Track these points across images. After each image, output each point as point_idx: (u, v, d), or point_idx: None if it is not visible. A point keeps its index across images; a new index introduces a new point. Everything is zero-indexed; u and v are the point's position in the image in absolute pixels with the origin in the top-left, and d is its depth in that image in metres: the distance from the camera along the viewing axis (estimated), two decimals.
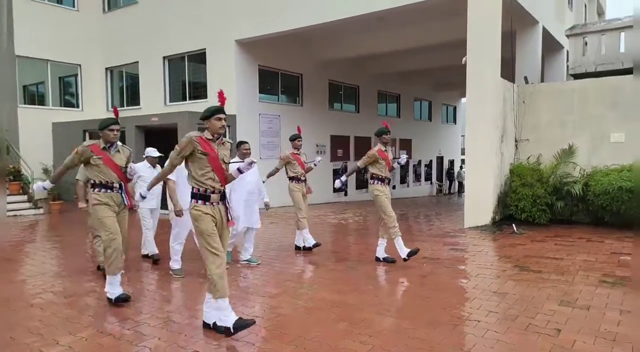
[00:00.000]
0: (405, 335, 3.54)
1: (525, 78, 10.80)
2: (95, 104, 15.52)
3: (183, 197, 4.88)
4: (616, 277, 5.08)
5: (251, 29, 11.80)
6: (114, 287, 4.35)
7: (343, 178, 5.97)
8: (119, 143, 4.47)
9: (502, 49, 8.94)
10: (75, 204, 6.06)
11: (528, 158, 9.35)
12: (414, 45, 13.24)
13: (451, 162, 24.72)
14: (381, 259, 6.03)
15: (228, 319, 3.59)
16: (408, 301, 4.56)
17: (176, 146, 3.66)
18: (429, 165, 22.55)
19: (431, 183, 22.85)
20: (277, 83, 13.83)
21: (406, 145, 20.07)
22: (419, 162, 21.65)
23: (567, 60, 12.47)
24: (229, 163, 3.81)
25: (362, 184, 16.39)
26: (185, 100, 13.68)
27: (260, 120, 12.91)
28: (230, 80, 12.22)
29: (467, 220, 8.85)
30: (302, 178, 6.73)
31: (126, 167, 4.45)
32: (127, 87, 15.45)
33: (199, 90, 13.46)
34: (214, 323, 3.66)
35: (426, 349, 3.29)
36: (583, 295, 4.48)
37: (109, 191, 4.36)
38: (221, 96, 3.69)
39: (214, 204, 3.65)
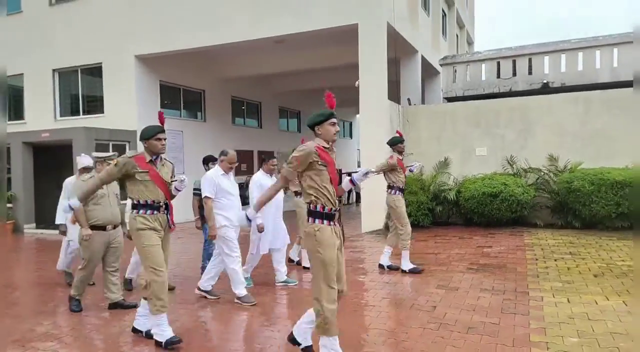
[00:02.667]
0: None
1: (409, 100, 12.32)
2: None
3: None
4: (479, 265, 6.28)
5: (151, 44, 11.81)
6: (163, 328, 3.73)
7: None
8: (162, 155, 3.92)
9: (388, 74, 10.21)
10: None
11: None
12: (313, 66, 14.24)
13: (349, 174, 26.30)
14: (385, 267, 6.13)
15: None
16: None
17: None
18: None
19: None
20: (179, 99, 13.88)
21: None
22: None
23: (442, 85, 14.40)
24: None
25: None
26: (79, 114, 13.10)
27: None
28: (129, 95, 12.06)
29: (364, 226, 9.88)
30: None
31: (171, 183, 3.92)
32: (9, 100, 14.26)
33: (94, 105, 12.99)
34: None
35: None
36: (454, 280, 5.53)
37: (155, 212, 3.77)
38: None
39: (336, 223, 3.19)
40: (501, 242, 7.82)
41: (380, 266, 6.23)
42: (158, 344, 3.72)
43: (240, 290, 4.87)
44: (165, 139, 3.82)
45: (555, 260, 6.34)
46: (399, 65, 12.50)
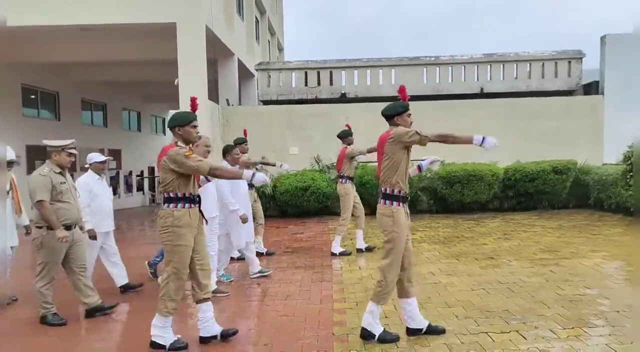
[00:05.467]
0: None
1: (227, 100, 12.91)
2: None
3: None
4: (293, 248, 7.34)
5: None
6: (166, 331, 3.52)
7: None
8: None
9: (208, 74, 10.60)
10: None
11: None
12: (124, 58, 13.53)
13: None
14: (363, 249, 6.81)
15: (376, 327, 3.56)
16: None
17: None
18: (140, 176, 22.63)
19: (144, 193, 22.98)
20: None
21: (116, 155, 19.65)
22: (130, 172, 21.50)
23: (257, 88, 15.43)
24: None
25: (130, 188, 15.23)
26: None
27: None
28: None
29: None
30: None
31: None
32: None
33: None
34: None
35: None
36: (274, 261, 6.40)
37: (192, 205, 3.50)
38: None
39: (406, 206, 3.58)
40: (311, 229, 9.09)
41: (359, 250, 6.85)
42: (157, 346, 3.51)
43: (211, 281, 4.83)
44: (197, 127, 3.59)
45: (351, 239, 7.80)
46: (216, 67, 12.97)
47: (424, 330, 3.62)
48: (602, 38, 12.39)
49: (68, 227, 4.21)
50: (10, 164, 4.86)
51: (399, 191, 3.49)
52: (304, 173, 10.76)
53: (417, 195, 10.44)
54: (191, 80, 10.19)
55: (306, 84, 12.96)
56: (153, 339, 3.51)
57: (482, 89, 12.81)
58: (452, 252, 6.63)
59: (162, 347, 3.50)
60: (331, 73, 13.01)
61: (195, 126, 3.55)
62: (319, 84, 12.98)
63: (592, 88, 12.77)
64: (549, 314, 4.02)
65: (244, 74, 15.84)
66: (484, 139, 3.36)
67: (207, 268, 3.67)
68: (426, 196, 10.57)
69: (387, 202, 3.50)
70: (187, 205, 3.46)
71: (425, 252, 6.67)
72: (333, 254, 6.63)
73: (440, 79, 13.01)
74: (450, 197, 10.26)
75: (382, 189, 3.58)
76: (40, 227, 4.16)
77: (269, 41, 22.95)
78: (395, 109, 3.66)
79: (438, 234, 8.12)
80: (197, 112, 3.66)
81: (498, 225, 8.81)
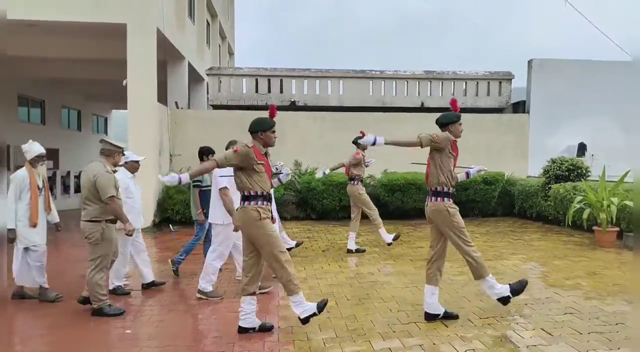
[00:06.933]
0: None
1: (176, 103, 12.88)
2: None
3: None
4: None
5: None
6: (305, 304, 3.83)
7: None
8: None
9: (157, 76, 10.59)
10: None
11: (180, 170, 11.35)
12: (67, 55, 13.13)
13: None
14: (354, 251, 7.21)
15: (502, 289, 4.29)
16: None
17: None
18: (78, 177, 21.71)
19: None
20: None
21: (53, 155, 18.80)
22: (68, 173, 20.61)
23: (208, 92, 15.46)
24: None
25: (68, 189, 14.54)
26: None
27: None
28: None
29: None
30: None
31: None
32: None
33: None
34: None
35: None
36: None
37: (267, 203, 3.82)
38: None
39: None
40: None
41: (349, 251, 7.25)
42: (310, 318, 3.82)
43: (207, 285, 4.92)
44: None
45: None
46: (166, 69, 12.93)
47: (441, 315, 4.20)
48: (529, 61, 13.66)
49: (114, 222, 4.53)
50: (41, 158, 4.99)
51: (449, 188, 4.21)
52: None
53: None
54: (140, 82, 10.15)
55: (257, 91, 13.22)
56: (302, 316, 3.79)
57: (422, 103, 13.67)
58: (390, 255, 7.15)
59: (313, 315, 3.80)
60: (282, 81, 13.36)
61: (274, 131, 3.93)
62: (269, 91, 13.28)
63: (519, 106, 14.00)
64: (469, 306, 4.57)
65: (194, 78, 15.80)
66: (375, 139, 4.14)
67: (262, 264, 3.97)
68: None
69: (439, 198, 4.20)
70: (265, 202, 3.81)
71: (367, 255, 7.15)
72: (349, 251, 7.29)
73: (385, 92, 13.73)
74: (391, 204, 10.88)
75: (432, 188, 4.24)
76: (98, 221, 4.36)
77: (219, 45, 22.92)
78: (451, 118, 4.29)
79: (379, 238, 8.63)
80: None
81: None
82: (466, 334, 3.88)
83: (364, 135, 7.62)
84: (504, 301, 4.27)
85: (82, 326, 4.25)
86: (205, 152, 6.15)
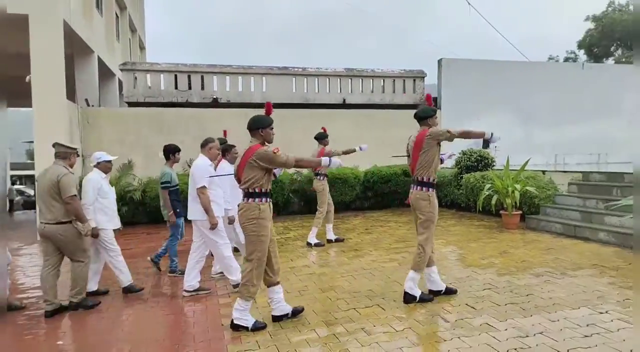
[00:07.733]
0: None
1: (87, 100, 12.01)
2: None
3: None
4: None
5: None
6: (246, 314, 3.89)
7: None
8: None
9: (65, 72, 9.80)
10: None
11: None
12: None
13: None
14: (312, 245, 7.34)
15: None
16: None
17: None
18: None
19: None
20: None
21: None
22: None
23: (121, 89, 14.58)
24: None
25: None
26: None
27: None
28: None
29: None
30: None
31: None
32: None
33: None
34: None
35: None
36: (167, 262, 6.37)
37: (270, 199, 3.91)
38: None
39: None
40: (186, 233, 9.05)
41: (308, 244, 7.37)
42: (239, 328, 3.85)
43: (238, 276, 4.86)
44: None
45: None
46: (73, 65, 12.01)
47: (443, 291, 4.63)
48: (439, 61, 14.66)
49: None
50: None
51: (433, 179, 4.39)
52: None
53: (289, 197, 11.11)
54: (46, 78, 9.34)
55: (176, 87, 12.74)
56: (235, 321, 3.85)
57: (344, 100, 14.09)
58: (323, 247, 7.35)
59: (245, 328, 3.85)
60: (202, 77, 13.00)
61: (272, 128, 3.98)
62: (190, 87, 12.86)
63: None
64: (401, 290, 4.89)
65: (104, 73, 14.82)
66: (492, 134, 4.27)
67: (277, 254, 4.03)
68: (297, 197, 11.30)
69: (424, 188, 4.39)
70: (268, 199, 3.87)
71: (300, 249, 7.28)
72: (309, 244, 7.38)
73: (308, 88, 13.94)
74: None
75: (419, 178, 4.43)
76: (69, 222, 4.49)
77: (129, 39, 21.66)
78: (429, 112, 4.55)
79: (307, 233, 8.83)
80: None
81: (360, 222, 9.90)
82: (402, 315, 4.17)
83: (325, 131, 7.81)
84: (409, 299, 4.44)
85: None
86: (172, 151, 6.06)
